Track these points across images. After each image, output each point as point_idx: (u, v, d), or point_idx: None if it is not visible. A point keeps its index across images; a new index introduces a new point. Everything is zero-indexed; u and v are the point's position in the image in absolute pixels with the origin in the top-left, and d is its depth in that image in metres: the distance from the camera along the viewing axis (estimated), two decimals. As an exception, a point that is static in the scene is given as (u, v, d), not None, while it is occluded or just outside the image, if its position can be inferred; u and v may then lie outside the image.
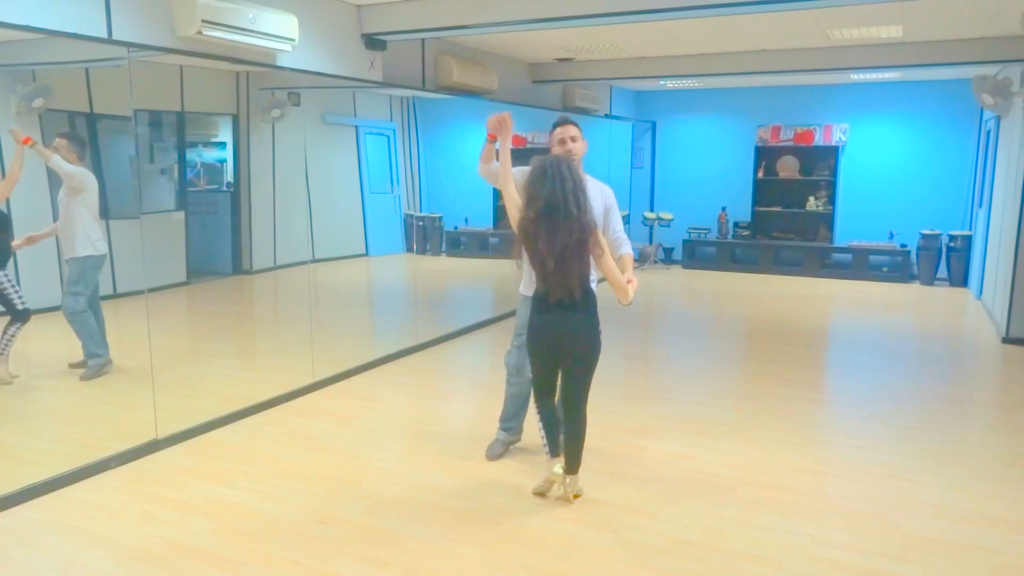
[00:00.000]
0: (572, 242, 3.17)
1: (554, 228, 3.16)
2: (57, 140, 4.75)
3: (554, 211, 3.16)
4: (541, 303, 3.35)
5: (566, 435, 3.51)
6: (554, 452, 3.56)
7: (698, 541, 3.15)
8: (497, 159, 3.60)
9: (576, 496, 3.52)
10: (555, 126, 3.76)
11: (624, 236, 3.75)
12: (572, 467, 3.51)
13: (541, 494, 3.55)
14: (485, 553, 3.05)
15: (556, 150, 3.67)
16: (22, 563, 2.99)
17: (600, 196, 3.72)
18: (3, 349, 4.56)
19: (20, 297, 4.59)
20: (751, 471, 3.87)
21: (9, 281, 4.60)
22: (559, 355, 3.40)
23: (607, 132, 11.08)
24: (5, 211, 4.68)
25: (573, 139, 3.73)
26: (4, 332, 4.54)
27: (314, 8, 5.63)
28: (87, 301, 4.92)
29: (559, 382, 3.50)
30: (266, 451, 4.09)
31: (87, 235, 4.87)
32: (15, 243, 4.71)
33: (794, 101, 10.87)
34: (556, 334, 3.35)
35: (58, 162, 4.65)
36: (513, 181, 3.50)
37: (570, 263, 3.20)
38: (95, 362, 4.83)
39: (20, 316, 4.58)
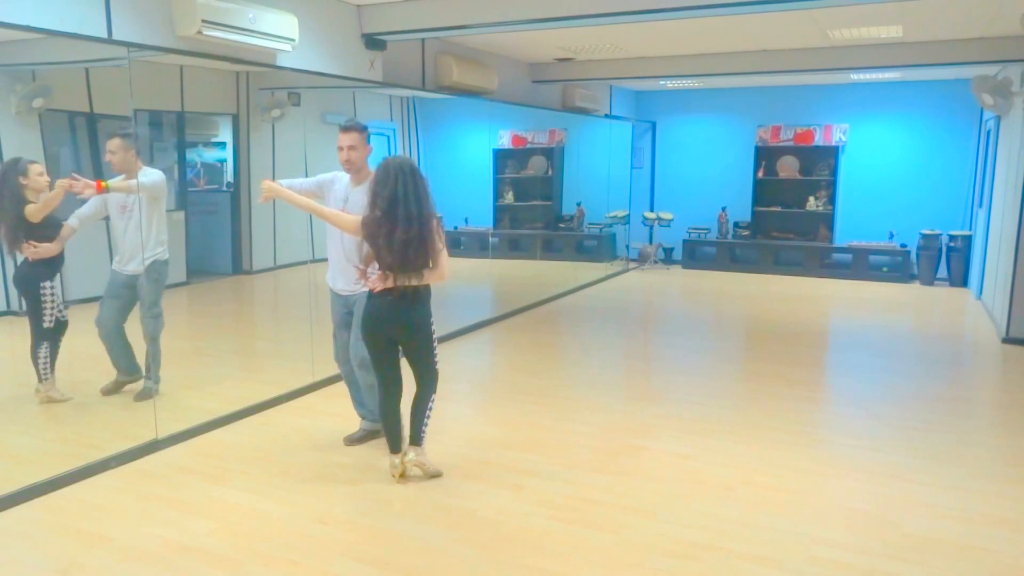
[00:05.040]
0: (412, 237, 3.39)
1: (394, 224, 3.39)
2: (109, 142, 4.39)
3: (395, 209, 3.39)
4: (381, 292, 3.53)
5: (416, 404, 3.71)
6: (396, 449, 3.74)
7: (698, 541, 3.15)
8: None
9: (430, 474, 3.71)
10: (340, 129, 3.86)
11: None
12: (417, 439, 3.73)
13: (402, 474, 3.72)
14: (485, 553, 3.05)
15: (338, 155, 3.84)
16: (22, 563, 2.99)
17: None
18: (45, 374, 4.46)
19: (52, 314, 4.39)
20: (751, 471, 3.87)
21: (52, 294, 4.41)
22: (396, 342, 3.64)
23: (607, 132, 11.09)
24: (63, 221, 4.50)
25: (351, 147, 3.81)
26: (35, 358, 4.43)
27: (314, 8, 5.63)
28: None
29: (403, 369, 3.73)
30: (266, 451, 4.09)
31: (159, 239, 4.54)
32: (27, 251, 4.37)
33: (794, 101, 10.87)
34: (392, 322, 3.57)
35: (140, 184, 4.31)
36: (316, 198, 3.90)
37: (411, 257, 3.42)
38: (151, 384, 4.59)
39: (44, 335, 4.41)
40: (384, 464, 3.86)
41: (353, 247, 3.77)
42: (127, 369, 4.71)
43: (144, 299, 4.58)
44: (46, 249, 4.33)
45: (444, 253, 3.55)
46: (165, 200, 4.61)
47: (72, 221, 4.46)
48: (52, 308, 4.40)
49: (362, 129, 3.86)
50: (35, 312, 4.39)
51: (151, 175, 4.48)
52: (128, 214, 4.48)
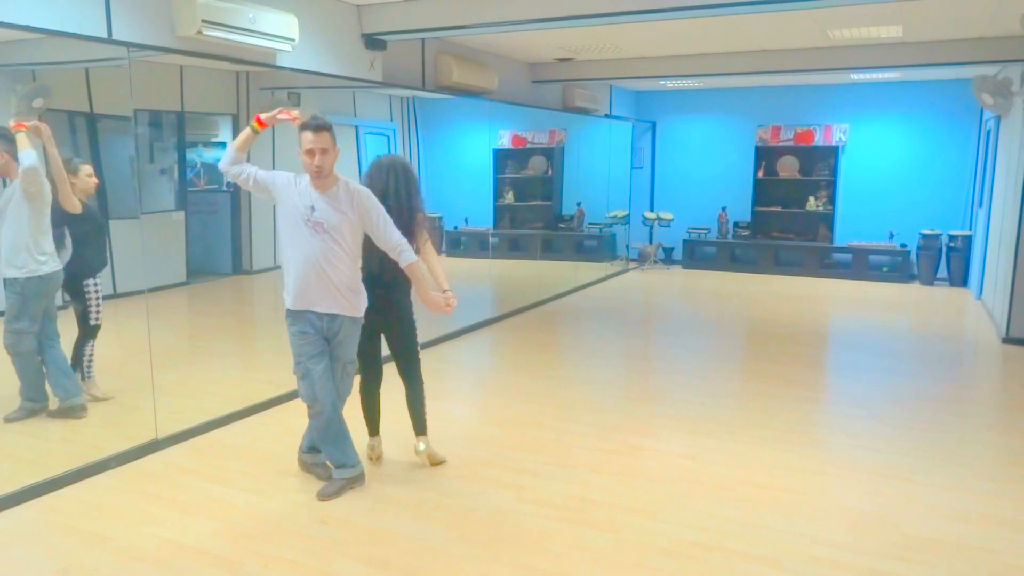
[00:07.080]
0: (401, 226, 3.52)
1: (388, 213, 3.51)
2: None
3: (385, 200, 3.54)
4: (372, 282, 3.64)
5: (411, 400, 3.91)
6: (374, 432, 3.97)
7: (698, 541, 3.15)
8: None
9: (436, 462, 3.87)
10: (305, 128, 3.33)
11: (402, 243, 3.43)
12: (422, 429, 3.91)
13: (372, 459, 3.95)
14: (485, 553, 3.05)
15: (302, 158, 3.35)
16: (22, 563, 2.99)
17: (349, 201, 3.40)
18: (89, 371, 4.52)
19: (98, 312, 4.45)
20: (751, 471, 3.87)
21: (96, 291, 4.44)
22: (382, 327, 3.80)
23: (607, 132, 11.09)
24: (100, 217, 4.52)
25: (324, 151, 3.30)
26: (80, 354, 4.48)
27: (314, 8, 5.63)
28: (35, 339, 4.12)
29: (393, 362, 3.88)
30: (266, 451, 4.09)
31: (32, 250, 4.04)
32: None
33: (794, 101, 10.86)
34: (379, 314, 3.70)
35: (31, 155, 3.91)
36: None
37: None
38: (28, 405, 4.23)
39: (91, 332, 4.50)
40: (382, 463, 3.86)
41: (354, 256, 3.47)
42: (26, 394, 4.25)
43: (7, 308, 4.10)
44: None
45: (428, 243, 3.72)
46: (47, 207, 4.10)
47: None
48: (97, 305, 4.45)
49: (331, 128, 3.37)
50: (83, 310, 4.44)
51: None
52: (10, 218, 4.06)
